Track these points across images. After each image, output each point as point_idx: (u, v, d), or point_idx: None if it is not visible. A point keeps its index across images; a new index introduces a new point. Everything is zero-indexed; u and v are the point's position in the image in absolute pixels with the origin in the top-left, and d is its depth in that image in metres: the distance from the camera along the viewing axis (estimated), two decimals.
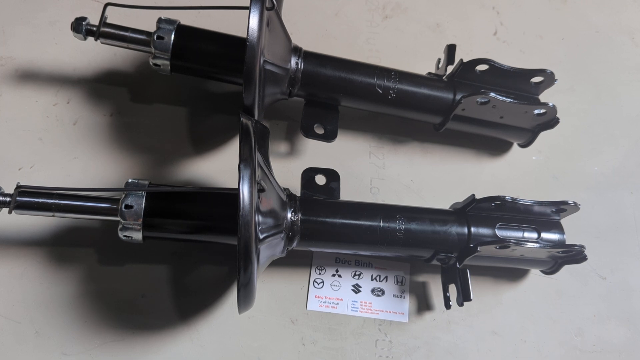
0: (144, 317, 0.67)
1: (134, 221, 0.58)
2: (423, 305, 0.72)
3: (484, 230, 0.66)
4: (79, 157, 0.73)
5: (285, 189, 0.64)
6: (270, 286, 0.70)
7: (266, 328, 0.68)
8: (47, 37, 0.79)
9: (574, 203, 0.67)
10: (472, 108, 0.72)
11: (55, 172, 0.72)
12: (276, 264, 0.68)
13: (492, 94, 0.69)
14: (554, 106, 0.71)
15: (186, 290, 0.68)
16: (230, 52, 0.67)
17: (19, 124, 0.73)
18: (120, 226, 0.59)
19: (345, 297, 0.71)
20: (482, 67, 0.72)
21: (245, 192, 0.48)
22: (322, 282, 0.71)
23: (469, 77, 0.73)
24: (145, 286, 0.68)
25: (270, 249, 0.58)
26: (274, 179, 0.60)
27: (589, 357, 0.72)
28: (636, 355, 0.73)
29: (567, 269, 0.71)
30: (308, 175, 0.68)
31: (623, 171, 0.84)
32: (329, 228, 0.63)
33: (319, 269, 0.72)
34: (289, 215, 0.61)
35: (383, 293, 0.71)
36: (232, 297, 0.69)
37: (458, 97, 0.72)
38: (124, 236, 0.60)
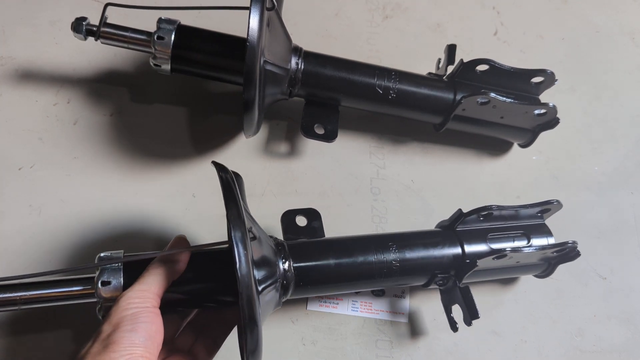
0: None
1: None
2: (423, 305, 0.72)
3: (477, 245, 0.64)
4: (79, 157, 0.73)
5: (271, 237, 0.59)
6: None
7: (266, 328, 0.68)
8: (47, 37, 0.79)
9: (557, 201, 0.66)
10: (473, 108, 0.72)
11: (55, 172, 0.72)
12: None
13: (493, 94, 0.69)
14: (554, 106, 0.71)
15: None
16: (230, 52, 0.67)
17: (19, 124, 0.73)
18: (98, 306, 0.52)
19: (346, 297, 0.71)
20: (482, 67, 0.72)
21: (241, 257, 0.44)
22: None
23: (469, 77, 0.73)
24: None
25: (268, 305, 0.55)
26: (259, 227, 0.56)
27: (589, 357, 0.72)
28: (636, 355, 0.73)
29: (567, 269, 0.71)
30: (288, 218, 0.65)
31: (623, 171, 0.84)
32: (323, 271, 0.59)
33: None
34: (281, 263, 0.56)
35: (383, 293, 0.71)
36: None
37: (458, 97, 0.72)
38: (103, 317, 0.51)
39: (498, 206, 0.64)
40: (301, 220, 0.66)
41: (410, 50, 0.87)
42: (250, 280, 0.44)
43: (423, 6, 0.90)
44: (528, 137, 0.78)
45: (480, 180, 0.80)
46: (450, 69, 0.74)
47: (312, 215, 0.67)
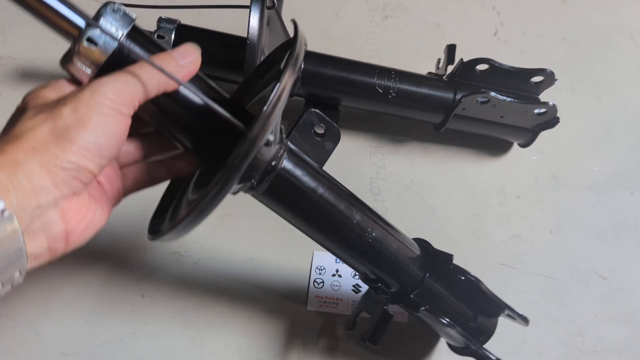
0: (144, 317, 0.66)
1: (89, 67, 0.42)
2: None
3: (435, 288, 0.59)
4: None
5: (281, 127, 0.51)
6: (271, 286, 0.70)
7: (266, 328, 0.68)
8: (47, 37, 0.78)
9: (526, 320, 0.61)
10: (473, 107, 0.72)
11: None
12: (276, 264, 0.68)
13: (492, 94, 0.69)
14: (554, 105, 0.71)
15: (186, 290, 0.68)
16: (230, 51, 0.67)
17: None
18: (67, 53, 0.43)
19: (346, 297, 0.71)
20: (482, 67, 0.72)
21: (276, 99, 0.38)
22: (322, 282, 0.71)
23: (469, 76, 0.73)
24: (146, 286, 0.68)
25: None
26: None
27: (589, 357, 0.72)
28: (636, 355, 0.73)
29: (567, 268, 0.71)
30: (308, 119, 0.56)
31: (623, 171, 0.84)
32: (303, 194, 0.50)
33: (319, 269, 0.72)
34: (274, 153, 0.47)
35: None
36: (232, 296, 0.69)
37: (458, 96, 0.72)
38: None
39: (477, 279, 0.58)
40: (319, 129, 0.56)
41: (410, 50, 0.87)
42: (256, 145, 0.38)
43: (423, 6, 0.91)
44: (528, 136, 0.78)
45: (480, 180, 0.80)
46: (450, 68, 0.74)
47: (333, 133, 0.57)
